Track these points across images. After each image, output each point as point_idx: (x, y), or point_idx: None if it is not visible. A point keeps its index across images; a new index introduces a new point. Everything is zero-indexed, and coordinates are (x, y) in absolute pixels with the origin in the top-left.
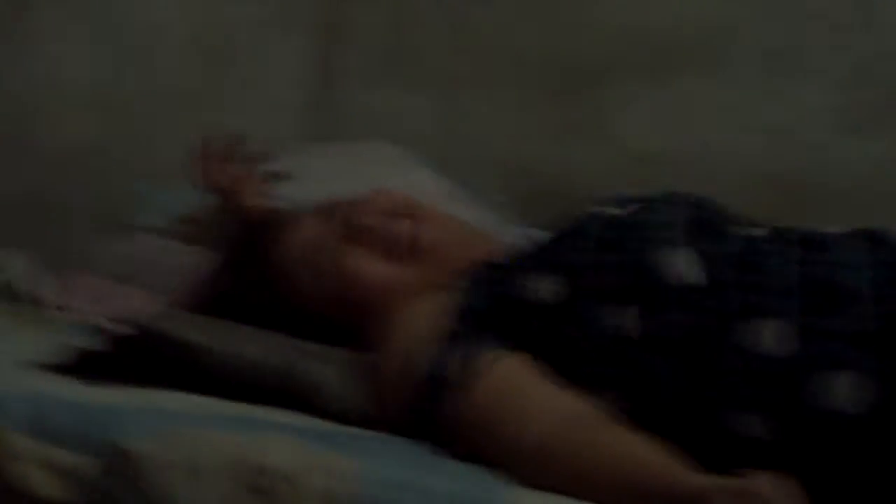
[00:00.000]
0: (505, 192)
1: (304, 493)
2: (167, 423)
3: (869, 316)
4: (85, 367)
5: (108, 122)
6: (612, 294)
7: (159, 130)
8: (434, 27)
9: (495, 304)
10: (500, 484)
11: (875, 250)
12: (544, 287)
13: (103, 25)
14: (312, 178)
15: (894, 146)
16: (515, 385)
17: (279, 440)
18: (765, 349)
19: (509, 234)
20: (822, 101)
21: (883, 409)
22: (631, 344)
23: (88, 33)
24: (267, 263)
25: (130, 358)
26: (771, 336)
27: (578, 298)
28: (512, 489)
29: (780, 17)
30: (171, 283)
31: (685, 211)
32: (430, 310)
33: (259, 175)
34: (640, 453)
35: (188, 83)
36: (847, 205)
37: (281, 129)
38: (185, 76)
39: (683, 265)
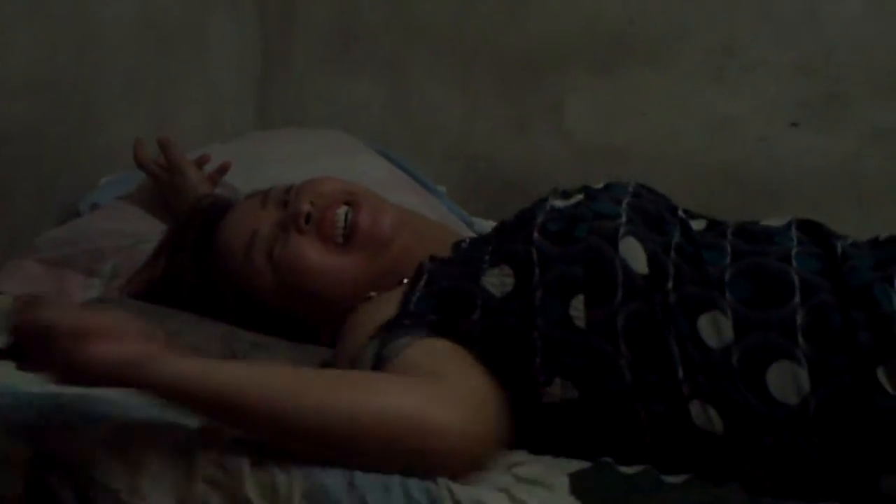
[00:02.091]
0: (454, 181)
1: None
2: (100, 410)
3: (798, 307)
4: (16, 353)
5: (48, 106)
6: (558, 284)
7: (101, 114)
8: (383, 13)
9: (439, 300)
10: None
11: (808, 243)
12: (490, 280)
13: (45, 8)
14: (259, 165)
15: (836, 139)
16: (421, 365)
17: None
18: (702, 341)
19: (458, 223)
20: (766, 95)
21: (816, 400)
22: (578, 333)
23: (26, 14)
24: (206, 249)
25: None
26: (708, 328)
27: (524, 290)
28: None
29: (727, 10)
30: (112, 267)
31: (626, 200)
32: (378, 309)
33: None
34: None
35: (131, 66)
36: (791, 196)
37: (227, 114)
38: (129, 59)
39: (626, 255)
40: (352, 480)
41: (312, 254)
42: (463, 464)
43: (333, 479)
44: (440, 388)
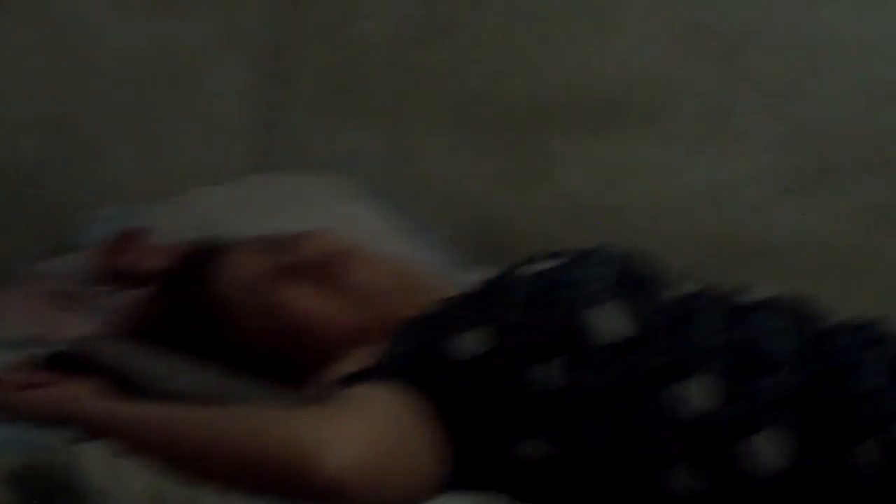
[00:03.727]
0: (449, 230)
1: None
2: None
3: (789, 379)
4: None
5: (50, 140)
6: (536, 348)
7: (102, 149)
8: (383, 62)
9: (411, 359)
10: None
11: (796, 317)
12: (466, 342)
13: (46, 42)
14: (255, 210)
15: (824, 208)
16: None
17: None
18: (691, 405)
19: (452, 274)
20: (756, 163)
21: (803, 464)
22: (554, 397)
23: (31, 49)
24: (201, 294)
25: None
26: (697, 392)
27: (501, 353)
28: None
29: (719, 80)
30: (110, 305)
31: (613, 265)
32: (354, 363)
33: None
34: None
35: (132, 103)
36: (779, 263)
37: (225, 156)
38: (129, 96)
39: (608, 321)
40: None
41: (302, 301)
42: (338, 494)
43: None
44: (336, 418)
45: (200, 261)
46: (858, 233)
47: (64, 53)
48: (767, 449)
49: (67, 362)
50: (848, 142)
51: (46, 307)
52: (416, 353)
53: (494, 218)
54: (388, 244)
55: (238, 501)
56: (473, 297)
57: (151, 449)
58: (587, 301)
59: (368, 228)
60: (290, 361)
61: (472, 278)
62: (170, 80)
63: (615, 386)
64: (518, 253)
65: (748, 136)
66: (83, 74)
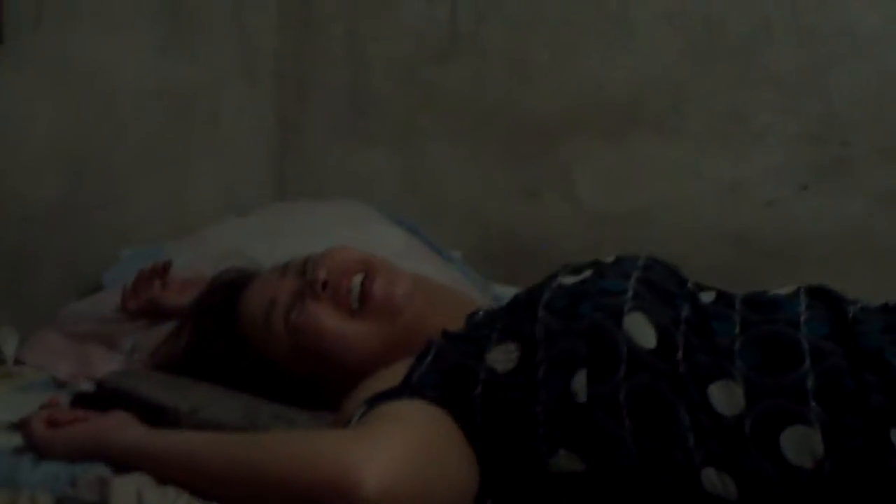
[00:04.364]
0: (468, 247)
1: None
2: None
3: (809, 372)
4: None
5: (74, 180)
6: (560, 360)
7: (121, 187)
8: (395, 83)
9: (443, 376)
10: None
11: (817, 308)
12: (494, 357)
13: (61, 84)
14: (278, 237)
15: (841, 204)
16: (387, 418)
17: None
18: (714, 409)
19: (473, 290)
20: (772, 160)
21: (831, 462)
22: (579, 407)
23: (47, 93)
24: (227, 321)
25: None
26: (719, 396)
27: (528, 366)
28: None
29: (734, 79)
30: (132, 344)
31: (636, 274)
32: (384, 380)
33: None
34: None
35: (148, 138)
36: (801, 259)
37: (243, 185)
38: (146, 130)
39: (632, 330)
40: None
41: (327, 320)
42: None
43: None
44: (371, 438)
45: (225, 291)
46: (879, 224)
47: (79, 96)
48: (792, 446)
49: (93, 401)
50: (865, 134)
51: (79, 347)
52: (448, 369)
53: (513, 232)
54: (409, 263)
55: None
56: (502, 312)
57: (186, 478)
58: (612, 313)
59: (388, 249)
60: (319, 383)
61: (492, 294)
62: (185, 117)
63: (643, 395)
64: (537, 266)
65: (765, 133)
66: (99, 115)
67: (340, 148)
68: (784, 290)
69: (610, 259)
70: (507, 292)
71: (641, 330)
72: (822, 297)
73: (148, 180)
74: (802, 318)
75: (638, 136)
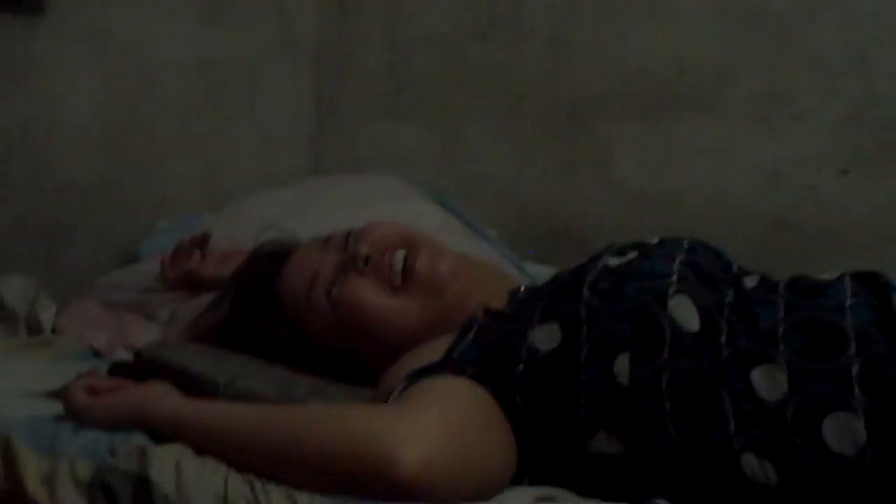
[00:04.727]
0: (504, 226)
1: None
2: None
3: (853, 358)
4: None
5: (109, 153)
6: (604, 342)
7: (162, 162)
8: (433, 61)
9: (484, 352)
10: None
11: (863, 294)
12: (537, 336)
13: (101, 56)
14: (315, 211)
15: (883, 188)
16: (426, 395)
17: None
18: (756, 394)
19: (510, 268)
20: (814, 144)
21: (873, 449)
22: (620, 390)
23: (87, 65)
24: (268, 293)
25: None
26: (762, 381)
27: (571, 346)
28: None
29: (776, 60)
30: (170, 313)
31: (680, 257)
32: (425, 355)
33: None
34: None
35: (186, 111)
36: (841, 244)
37: (279, 160)
38: (184, 104)
39: (676, 313)
40: None
41: (370, 294)
42: (414, 492)
43: None
44: (411, 415)
45: (265, 263)
46: None
47: (119, 67)
48: (835, 433)
49: (130, 371)
50: None
51: (115, 316)
52: (490, 347)
53: (550, 211)
54: (446, 239)
55: (307, 499)
56: (545, 291)
57: (224, 450)
58: (657, 295)
59: (425, 225)
60: (358, 358)
61: (531, 272)
62: (224, 90)
63: (685, 378)
64: (574, 245)
65: (805, 116)
66: (139, 87)
67: (377, 125)
68: (829, 276)
69: (654, 241)
70: (541, 272)
71: (686, 313)
72: (867, 282)
73: (186, 152)
74: (847, 304)
75: (678, 117)
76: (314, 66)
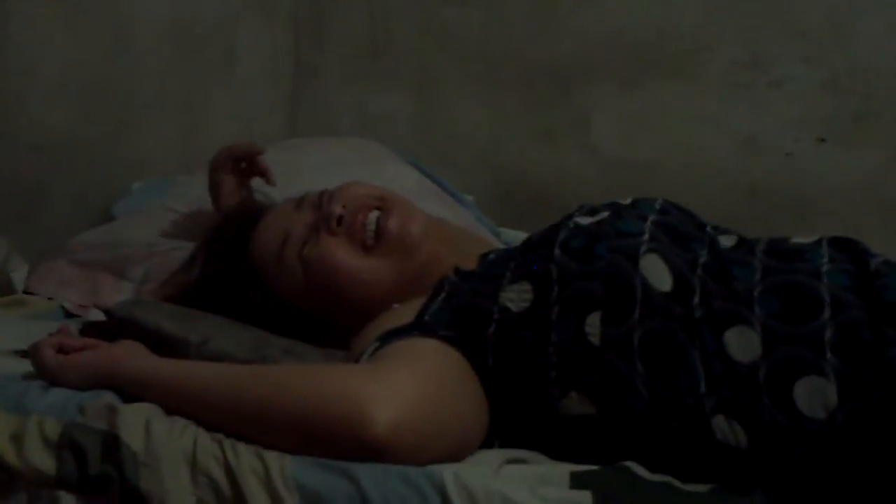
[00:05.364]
0: (481, 191)
1: None
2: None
3: (827, 323)
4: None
5: (87, 111)
6: (575, 301)
7: (133, 121)
8: (412, 26)
9: (456, 314)
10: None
11: (840, 259)
12: (508, 296)
13: (77, 15)
14: (291, 172)
15: (860, 157)
16: (398, 356)
17: None
18: (729, 355)
19: (486, 233)
20: (792, 111)
21: (843, 413)
22: (592, 349)
23: (62, 23)
24: (240, 254)
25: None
26: (735, 342)
27: (542, 306)
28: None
29: (755, 28)
30: (144, 272)
31: (652, 217)
32: (396, 318)
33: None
34: None
35: (162, 72)
36: (817, 212)
37: (257, 123)
38: (160, 65)
39: (648, 273)
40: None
41: (341, 254)
42: (385, 451)
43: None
44: (383, 375)
45: (239, 222)
46: (894, 179)
47: (95, 25)
48: (806, 397)
49: (102, 330)
50: (885, 87)
51: (88, 276)
52: (462, 308)
53: (527, 175)
54: (422, 203)
55: (275, 459)
56: (517, 252)
57: (194, 409)
58: (629, 255)
59: (401, 188)
60: (330, 319)
61: (507, 238)
62: (201, 51)
63: (656, 338)
64: (551, 210)
65: (784, 83)
66: (115, 46)
67: (355, 89)
68: (806, 239)
69: (627, 201)
70: (517, 237)
71: (657, 272)
72: (844, 248)
73: (162, 113)
74: (824, 269)
75: (656, 83)
76: (292, 29)
